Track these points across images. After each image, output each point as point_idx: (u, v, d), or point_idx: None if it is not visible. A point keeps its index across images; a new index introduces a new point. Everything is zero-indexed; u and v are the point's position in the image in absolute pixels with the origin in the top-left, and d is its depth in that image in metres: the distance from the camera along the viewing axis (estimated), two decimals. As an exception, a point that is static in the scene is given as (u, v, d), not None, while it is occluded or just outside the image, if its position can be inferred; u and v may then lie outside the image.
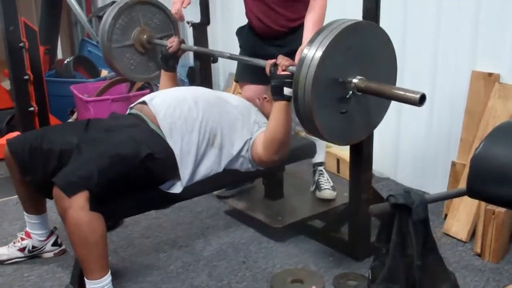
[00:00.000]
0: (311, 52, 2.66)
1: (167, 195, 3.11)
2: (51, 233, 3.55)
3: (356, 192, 3.37)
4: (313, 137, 3.57)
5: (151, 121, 3.18)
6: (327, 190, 4.00)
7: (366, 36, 2.81)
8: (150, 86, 5.63)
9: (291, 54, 3.50)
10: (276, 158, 3.26)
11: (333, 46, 2.64)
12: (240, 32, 3.98)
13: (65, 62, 6.58)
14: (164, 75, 3.84)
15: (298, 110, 2.75)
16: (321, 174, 4.09)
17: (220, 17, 6.08)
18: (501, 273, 3.32)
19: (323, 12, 3.49)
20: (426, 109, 4.19)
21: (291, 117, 3.02)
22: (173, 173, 3.10)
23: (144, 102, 3.31)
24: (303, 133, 4.11)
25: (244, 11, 3.80)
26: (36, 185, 3.20)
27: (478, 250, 3.48)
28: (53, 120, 5.02)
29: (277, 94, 3.07)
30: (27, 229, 3.49)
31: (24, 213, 3.45)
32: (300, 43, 3.44)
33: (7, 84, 5.41)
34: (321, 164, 4.14)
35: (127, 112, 3.43)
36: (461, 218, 3.70)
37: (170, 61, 3.83)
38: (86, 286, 2.88)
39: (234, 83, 5.65)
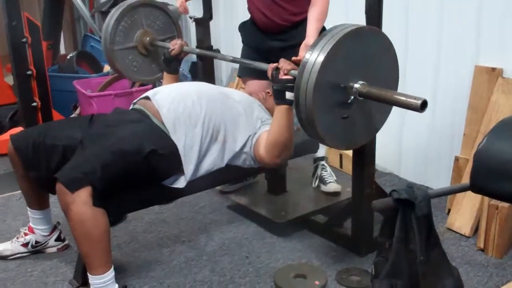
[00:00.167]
0: (312, 57, 2.65)
1: (170, 190, 3.11)
2: (54, 228, 3.55)
3: (359, 187, 3.37)
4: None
5: (155, 116, 3.18)
6: (332, 183, 4.01)
7: (368, 41, 2.80)
8: (153, 81, 5.63)
9: (293, 48, 3.51)
10: (278, 161, 3.25)
11: (335, 51, 2.63)
12: (243, 27, 3.97)
13: (68, 57, 6.58)
14: (166, 77, 3.84)
15: (300, 115, 2.74)
16: (324, 168, 4.10)
17: (223, 12, 6.08)
18: (505, 268, 3.31)
19: (325, 7, 3.48)
20: (429, 104, 4.16)
21: (293, 120, 3.01)
22: (177, 168, 3.10)
23: (147, 97, 3.31)
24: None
25: (247, 6, 3.80)
26: (40, 181, 3.21)
27: (482, 245, 3.48)
28: (56, 116, 5.03)
29: (279, 98, 3.04)
30: (30, 224, 3.49)
31: (27, 208, 3.45)
32: (302, 38, 3.44)
33: (10, 80, 5.41)
34: (322, 158, 4.14)
35: (131, 107, 3.43)
36: (464, 213, 3.69)
37: (172, 63, 3.83)
38: (89, 281, 2.89)
39: (237, 78, 5.65)
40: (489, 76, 3.73)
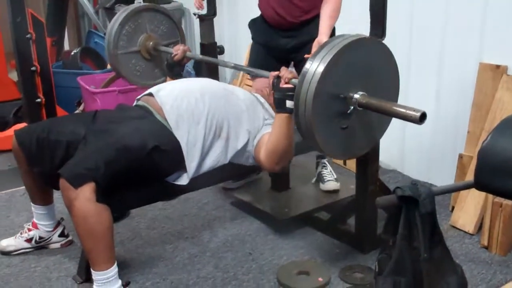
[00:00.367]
0: (313, 67, 2.65)
1: (173, 187, 3.12)
2: (58, 224, 3.56)
3: (362, 184, 3.37)
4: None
5: (158, 113, 3.18)
6: (331, 181, 4.00)
7: (368, 51, 2.80)
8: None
9: (302, 45, 3.54)
10: (277, 168, 3.26)
11: (335, 61, 2.63)
12: (253, 24, 3.98)
13: (72, 53, 6.58)
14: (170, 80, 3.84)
15: (299, 125, 2.75)
16: (324, 166, 4.10)
17: (227, 9, 6.07)
18: (508, 266, 3.31)
19: (339, 4, 3.49)
20: (433, 101, 4.18)
21: (293, 129, 3.00)
22: (180, 165, 3.10)
23: (150, 94, 3.31)
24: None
25: (251, 3, 3.80)
26: (43, 176, 3.21)
27: (485, 243, 3.47)
28: (60, 112, 5.03)
29: (280, 106, 3.04)
30: (34, 219, 3.49)
31: (31, 203, 3.46)
32: (311, 35, 3.47)
33: (14, 76, 5.40)
34: (324, 156, 4.14)
35: (134, 103, 3.43)
36: (468, 210, 3.69)
37: (175, 68, 3.84)
38: (93, 277, 2.90)
39: (241, 75, 5.66)
40: (493, 73, 3.72)
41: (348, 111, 2.75)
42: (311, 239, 3.66)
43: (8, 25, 4.44)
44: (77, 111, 5.71)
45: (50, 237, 3.53)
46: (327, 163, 4.13)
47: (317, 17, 3.58)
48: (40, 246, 3.53)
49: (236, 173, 3.69)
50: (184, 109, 3.15)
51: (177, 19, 4.43)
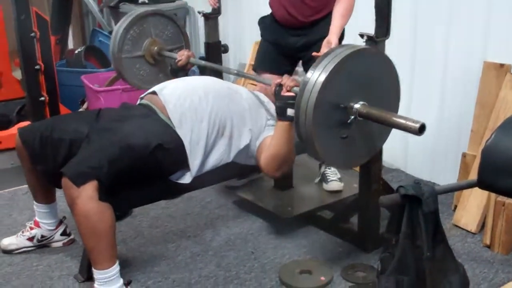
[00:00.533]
0: (314, 76, 2.66)
1: (176, 186, 3.11)
2: (60, 222, 3.55)
3: (366, 183, 3.36)
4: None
5: (161, 111, 3.18)
6: (334, 181, 3.99)
7: (370, 62, 2.81)
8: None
9: (311, 44, 3.56)
10: (277, 174, 3.28)
11: (336, 71, 2.64)
12: (262, 21, 3.99)
13: (76, 52, 6.58)
14: None
15: (299, 134, 2.76)
16: (328, 166, 4.09)
17: (232, 7, 6.07)
18: (511, 265, 3.31)
19: (351, 3, 3.50)
20: (437, 99, 4.18)
21: (294, 137, 3.00)
22: (183, 163, 3.09)
23: (154, 92, 3.31)
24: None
25: (255, 1, 3.80)
26: (47, 175, 3.21)
27: (488, 242, 3.47)
28: (64, 110, 5.03)
29: (281, 115, 3.05)
30: (36, 218, 3.49)
31: (34, 202, 3.46)
32: (321, 34, 3.51)
33: (18, 74, 5.41)
34: None
35: (138, 102, 3.43)
36: (471, 209, 3.68)
37: (179, 74, 3.85)
38: (94, 276, 2.89)
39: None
40: (497, 72, 3.71)
41: (349, 121, 2.76)
42: (313, 238, 3.66)
43: (12, 23, 4.44)
44: (80, 110, 5.71)
45: (52, 235, 3.53)
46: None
47: (327, 16, 3.59)
48: (42, 244, 3.53)
49: (239, 172, 3.69)
50: (187, 107, 3.15)
51: (181, 22, 4.43)
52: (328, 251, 3.51)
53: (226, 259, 3.44)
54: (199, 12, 4.39)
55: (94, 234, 2.80)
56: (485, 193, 3.51)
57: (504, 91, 3.66)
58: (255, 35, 5.22)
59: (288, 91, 3.00)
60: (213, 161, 3.20)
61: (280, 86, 3.04)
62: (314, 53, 3.27)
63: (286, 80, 3.04)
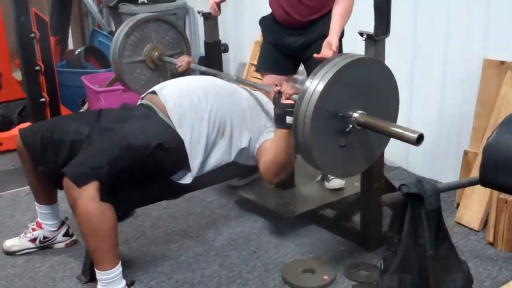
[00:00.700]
0: (312, 85, 2.66)
1: (177, 186, 3.12)
2: (62, 223, 3.55)
3: (368, 182, 3.36)
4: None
5: (161, 111, 3.18)
6: (335, 179, 3.98)
7: (369, 71, 2.81)
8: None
9: (310, 44, 3.55)
10: (276, 180, 3.30)
11: (335, 80, 2.64)
12: (263, 21, 3.98)
13: (76, 52, 6.57)
14: None
15: (297, 142, 2.75)
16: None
17: (231, 7, 6.06)
18: (514, 262, 3.31)
19: (350, 4, 3.49)
20: (437, 97, 4.17)
21: (292, 144, 3.00)
22: (183, 163, 3.10)
23: (154, 92, 3.31)
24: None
25: (255, 1, 3.79)
26: (48, 175, 3.21)
27: (491, 239, 3.47)
28: (64, 111, 5.03)
29: (279, 122, 3.05)
30: (38, 219, 3.49)
31: (35, 203, 3.46)
32: (320, 33, 3.52)
33: (18, 75, 5.40)
34: None
35: (138, 102, 3.43)
36: (473, 207, 3.68)
37: None
38: (97, 277, 2.90)
39: (245, 72, 5.66)
40: (498, 70, 3.71)
41: (347, 130, 2.76)
42: (316, 237, 3.66)
43: (12, 24, 4.44)
44: (81, 110, 5.71)
45: (54, 236, 3.53)
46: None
47: (326, 16, 3.58)
48: (44, 246, 3.53)
49: (240, 172, 3.69)
50: (186, 107, 3.15)
51: (182, 26, 4.42)
52: (330, 250, 3.51)
53: (228, 259, 3.44)
54: (198, 12, 4.38)
55: (96, 235, 2.81)
56: (487, 190, 3.51)
57: (504, 89, 3.65)
58: (255, 35, 5.23)
59: (287, 98, 3.00)
60: (214, 161, 3.20)
61: (279, 93, 3.04)
62: (314, 55, 3.28)
63: (285, 87, 3.03)
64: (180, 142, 3.06)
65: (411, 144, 2.56)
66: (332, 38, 3.39)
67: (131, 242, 3.65)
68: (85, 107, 5.74)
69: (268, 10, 3.87)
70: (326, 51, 3.35)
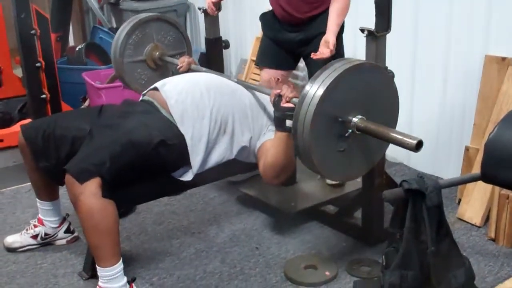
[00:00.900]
0: (312, 90, 2.66)
1: (179, 182, 3.11)
2: (64, 220, 3.56)
3: (369, 178, 3.35)
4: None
5: (163, 107, 3.18)
6: None
7: (369, 76, 2.81)
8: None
9: (309, 39, 3.55)
10: (276, 182, 3.29)
11: (335, 85, 2.64)
12: (263, 17, 3.99)
13: (77, 49, 6.57)
14: None
15: (297, 146, 2.76)
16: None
17: (232, 4, 6.06)
18: (516, 258, 3.31)
19: (346, 2, 3.48)
20: (439, 93, 4.17)
21: (292, 147, 3.00)
22: (185, 160, 3.09)
23: (156, 88, 3.30)
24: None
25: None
26: (49, 172, 3.21)
27: (492, 235, 3.46)
28: (65, 107, 5.02)
29: (279, 126, 3.07)
30: (40, 216, 3.49)
31: (37, 199, 3.46)
32: (319, 29, 3.52)
33: (19, 72, 5.41)
34: None
35: (140, 98, 3.43)
36: (475, 203, 3.68)
37: None
38: (98, 273, 2.90)
39: (246, 68, 5.65)
40: (499, 66, 3.70)
41: (346, 134, 2.75)
42: (317, 233, 3.66)
43: (12, 21, 4.44)
44: (82, 107, 5.71)
45: (56, 233, 3.53)
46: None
47: (325, 12, 3.58)
48: (46, 242, 3.53)
49: (242, 168, 3.68)
50: (188, 103, 3.15)
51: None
52: (332, 246, 3.51)
53: (230, 255, 3.44)
54: (199, 8, 4.39)
55: (97, 231, 2.81)
56: (489, 186, 3.51)
57: (506, 85, 3.65)
58: (256, 31, 5.22)
59: (287, 101, 3.00)
60: (215, 158, 3.20)
61: (279, 96, 3.04)
62: (312, 55, 3.29)
63: (285, 90, 3.03)
64: (182, 139, 3.06)
65: (410, 151, 2.56)
66: (329, 36, 3.39)
67: (133, 239, 3.65)
68: (86, 103, 5.75)
69: (269, 6, 3.87)
70: (323, 49, 3.35)
